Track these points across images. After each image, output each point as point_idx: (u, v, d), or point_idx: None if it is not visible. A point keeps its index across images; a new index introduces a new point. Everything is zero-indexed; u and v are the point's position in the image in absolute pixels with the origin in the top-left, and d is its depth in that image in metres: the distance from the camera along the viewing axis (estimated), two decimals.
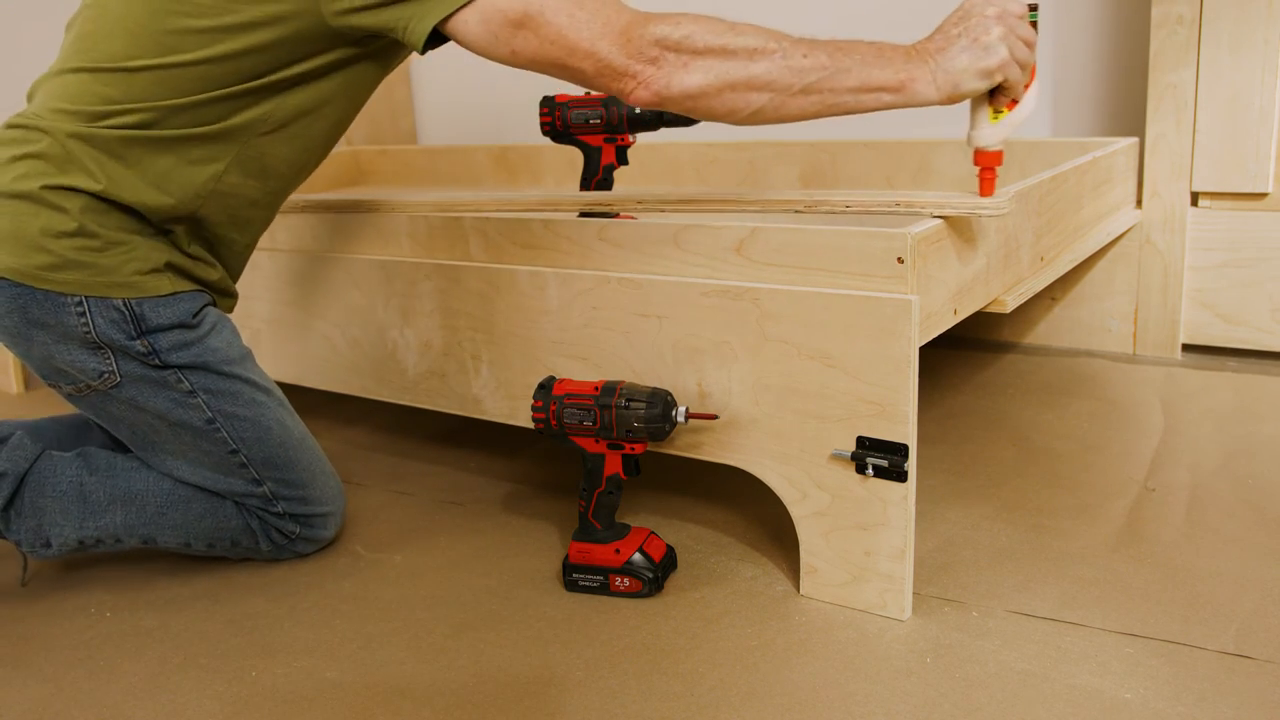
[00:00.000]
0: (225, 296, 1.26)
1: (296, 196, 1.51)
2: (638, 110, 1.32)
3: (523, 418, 1.29)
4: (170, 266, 1.16)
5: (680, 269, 1.13)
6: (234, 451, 1.20)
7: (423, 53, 1.04)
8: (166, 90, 1.09)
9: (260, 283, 1.55)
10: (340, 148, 2.63)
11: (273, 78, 1.11)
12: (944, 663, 0.98)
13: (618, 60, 0.96)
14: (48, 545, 1.21)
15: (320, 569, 1.27)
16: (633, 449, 1.11)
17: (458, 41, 1.03)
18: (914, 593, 1.08)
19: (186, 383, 1.17)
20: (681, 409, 1.10)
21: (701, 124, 1.37)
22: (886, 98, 0.98)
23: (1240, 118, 1.66)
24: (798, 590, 1.12)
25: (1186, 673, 0.94)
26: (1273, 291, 1.71)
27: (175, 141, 1.11)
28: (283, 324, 1.54)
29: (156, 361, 1.15)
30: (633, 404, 1.08)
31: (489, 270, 1.27)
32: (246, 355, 1.23)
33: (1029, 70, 1.00)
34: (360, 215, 1.41)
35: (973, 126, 1.05)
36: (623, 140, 1.36)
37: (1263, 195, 1.69)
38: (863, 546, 1.06)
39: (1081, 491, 1.32)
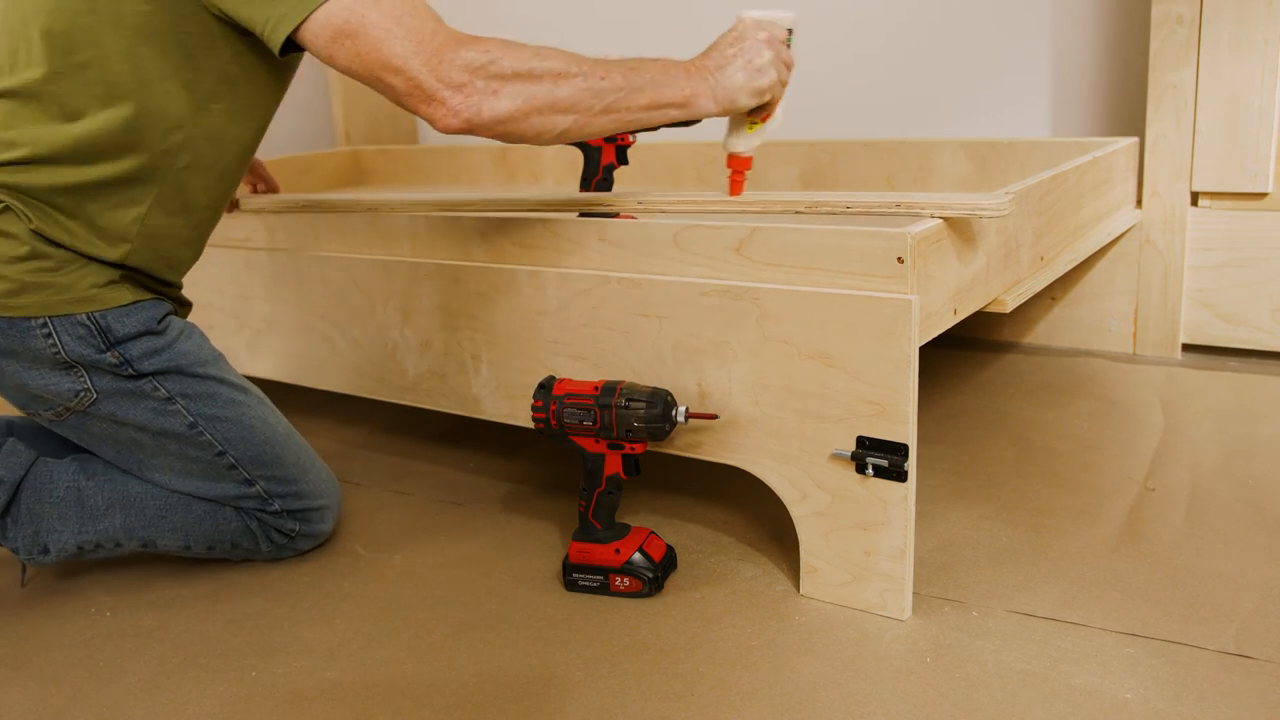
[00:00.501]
0: (183, 306, 1.26)
1: (297, 196, 1.51)
2: None
3: (523, 418, 1.29)
4: (127, 278, 1.15)
5: (680, 269, 1.13)
6: (221, 454, 1.19)
7: (281, 55, 1.05)
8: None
9: (260, 283, 1.55)
10: (340, 148, 2.63)
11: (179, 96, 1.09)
12: (944, 663, 0.98)
13: (427, 82, 0.99)
14: (45, 552, 1.20)
15: (320, 569, 1.27)
16: (633, 449, 1.11)
17: (305, 48, 1.05)
18: (914, 593, 1.08)
19: (163, 390, 1.16)
20: (681, 409, 1.10)
21: (702, 124, 1.38)
22: (674, 113, 1.07)
23: (1240, 118, 1.66)
24: (798, 590, 1.12)
25: (1186, 673, 0.94)
26: (1273, 291, 1.71)
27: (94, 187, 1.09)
28: (283, 324, 1.54)
29: (130, 371, 1.14)
30: (633, 404, 1.08)
31: (489, 270, 1.27)
32: (219, 357, 1.23)
33: (784, 89, 1.13)
34: (360, 215, 1.41)
35: (730, 135, 1.18)
36: (623, 140, 1.36)
37: (1263, 195, 1.69)
38: (863, 546, 1.06)
39: (1082, 491, 1.32)
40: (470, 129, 1.00)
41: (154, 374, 1.15)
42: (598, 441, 1.12)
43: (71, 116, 1.07)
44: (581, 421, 1.10)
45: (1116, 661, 0.96)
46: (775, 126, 1.16)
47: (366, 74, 1.01)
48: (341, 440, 1.71)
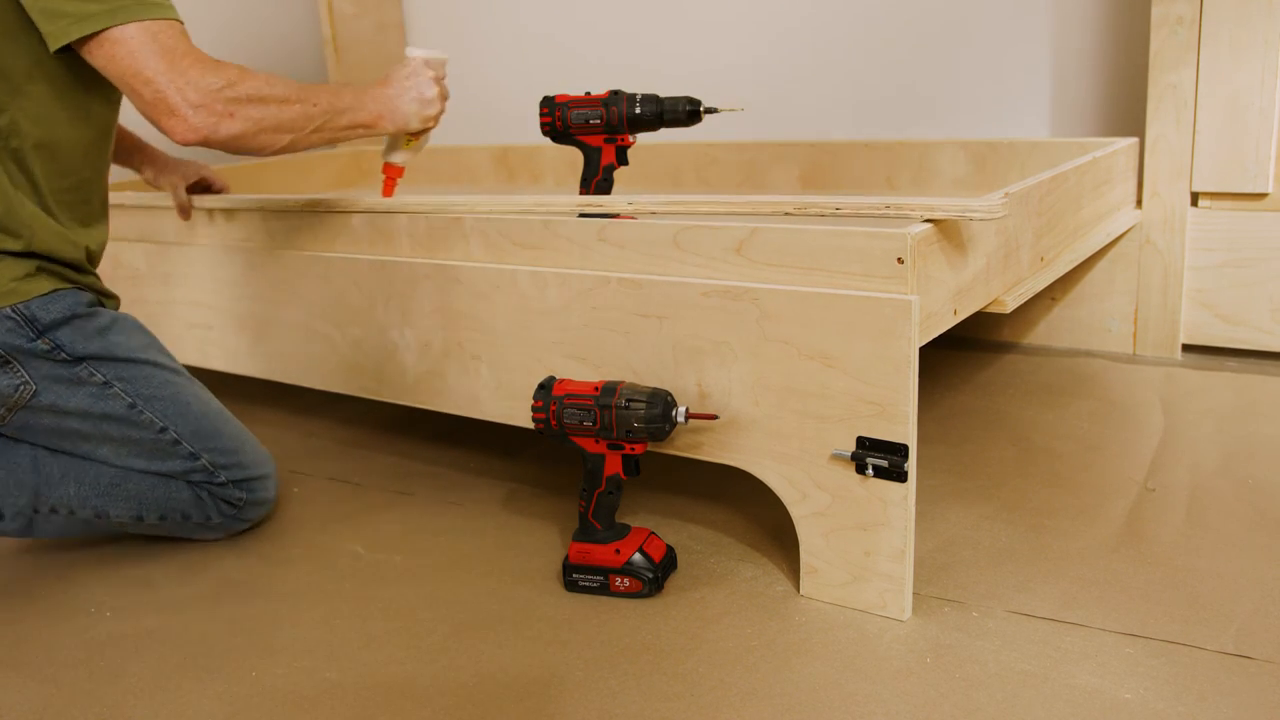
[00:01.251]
0: (109, 298, 1.32)
1: (296, 196, 1.51)
2: (638, 110, 1.32)
3: (523, 418, 1.29)
4: (44, 270, 1.21)
5: (680, 269, 1.13)
6: (163, 430, 1.27)
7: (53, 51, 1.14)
8: None
9: (260, 283, 1.55)
10: (341, 148, 2.63)
11: None
12: (944, 663, 0.98)
13: (173, 98, 1.11)
14: (1, 518, 1.25)
15: (320, 569, 1.27)
16: (633, 449, 1.11)
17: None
18: (914, 593, 1.08)
19: (99, 375, 1.23)
20: (681, 409, 1.10)
21: (702, 124, 1.38)
22: (362, 131, 1.28)
23: (1240, 118, 1.66)
24: (798, 590, 1.12)
25: (1186, 673, 0.94)
26: (1273, 291, 1.71)
27: None
28: (283, 324, 1.54)
29: (64, 356, 1.21)
30: (633, 404, 1.08)
31: (489, 270, 1.27)
32: (152, 343, 1.30)
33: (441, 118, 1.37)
34: (360, 215, 1.41)
35: (389, 149, 1.42)
36: (623, 140, 1.36)
37: (1263, 195, 1.69)
38: (863, 547, 1.06)
39: (1081, 492, 1.32)
40: (204, 144, 1.15)
41: (89, 358, 1.22)
42: (598, 442, 1.12)
43: None
44: (581, 422, 1.10)
45: (1116, 662, 0.96)
46: (425, 145, 1.44)
47: (117, 76, 1.13)
48: (341, 440, 1.71)
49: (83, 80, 1.20)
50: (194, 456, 1.29)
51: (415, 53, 1.34)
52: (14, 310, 1.18)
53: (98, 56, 1.13)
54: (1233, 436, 1.46)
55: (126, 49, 1.11)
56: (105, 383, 1.23)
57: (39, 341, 1.19)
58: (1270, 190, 1.68)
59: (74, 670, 1.08)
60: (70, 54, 1.15)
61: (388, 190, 1.45)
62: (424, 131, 1.37)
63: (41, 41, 1.15)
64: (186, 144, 1.14)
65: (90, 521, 1.29)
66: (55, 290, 1.21)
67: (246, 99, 1.15)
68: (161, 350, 1.31)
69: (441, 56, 1.36)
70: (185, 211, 1.61)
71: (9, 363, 1.19)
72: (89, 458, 1.28)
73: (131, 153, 1.60)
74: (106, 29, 1.11)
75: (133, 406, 1.25)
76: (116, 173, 1.67)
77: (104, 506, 1.28)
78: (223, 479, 1.31)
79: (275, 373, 1.60)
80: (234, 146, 1.17)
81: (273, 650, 1.09)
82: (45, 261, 1.22)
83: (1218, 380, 1.69)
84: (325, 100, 1.22)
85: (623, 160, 1.38)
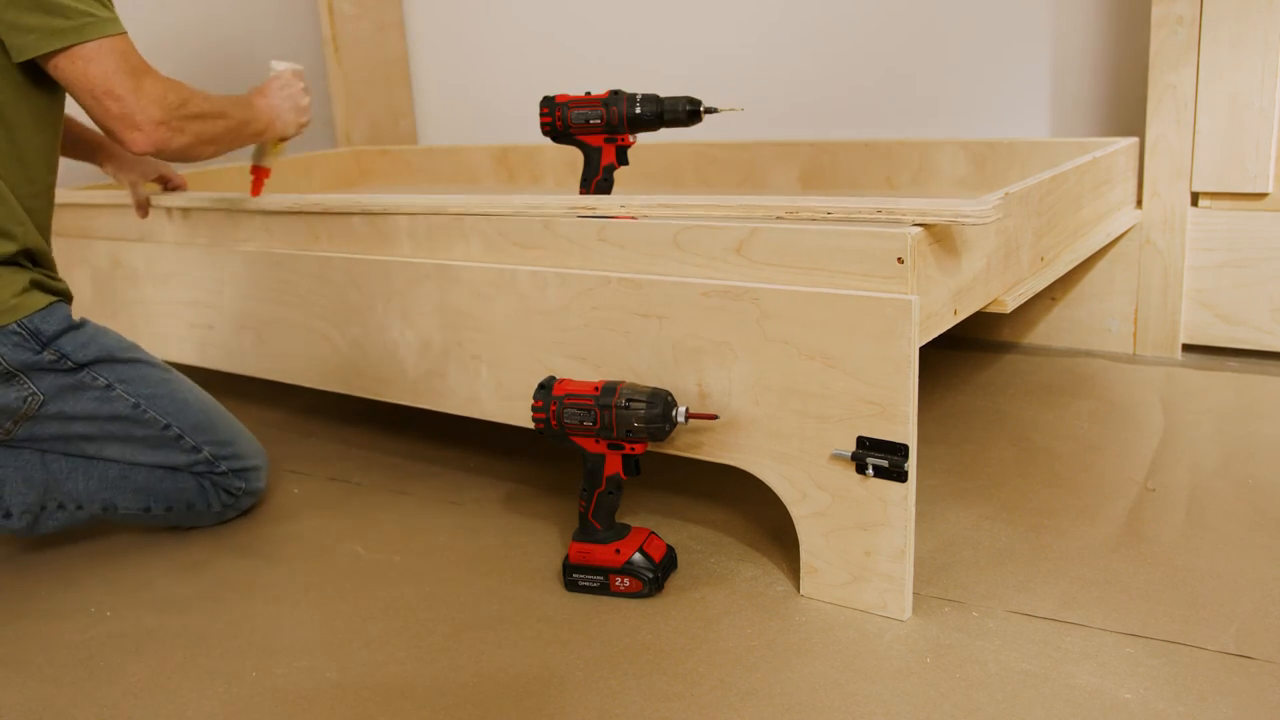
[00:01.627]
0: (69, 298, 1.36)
1: (296, 197, 1.51)
2: (638, 110, 1.32)
3: (523, 418, 1.29)
4: (34, 284, 1.26)
5: (680, 269, 1.13)
6: (166, 426, 1.33)
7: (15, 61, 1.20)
8: None
9: (260, 283, 1.55)
10: (341, 148, 2.63)
11: None
12: (944, 663, 0.98)
13: (139, 115, 1.22)
14: (8, 516, 1.27)
15: (320, 569, 1.27)
16: (633, 449, 1.11)
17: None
18: (914, 593, 1.08)
19: (101, 379, 1.29)
20: (681, 409, 1.10)
21: (702, 124, 1.38)
22: (254, 138, 1.42)
23: (1240, 118, 1.66)
24: (798, 590, 1.12)
25: (1187, 673, 0.94)
26: (1273, 291, 1.71)
27: None
28: (283, 324, 1.54)
29: (69, 364, 1.26)
30: (633, 404, 1.08)
31: (489, 270, 1.27)
32: (132, 344, 1.36)
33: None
34: (360, 216, 1.41)
35: (259, 154, 1.55)
36: (623, 140, 1.36)
37: (1263, 195, 1.69)
38: (863, 547, 1.06)
39: (1082, 492, 1.32)
40: (155, 154, 1.26)
41: (90, 363, 1.28)
42: (598, 442, 1.12)
43: None
44: (582, 422, 1.10)
45: (1116, 662, 0.96)
46: (287, 150, 1.63)
47: (85, 91, 1.20)
48: (341, 440, 1.71)
49: (43, 86, 1.25)
50: (196, 449, 1.35)
51: (281, 66, 1.50)
52: (19, 326, 1.22)
53: (64, 70, 1.20)
54: (1233, 436, 1.46)
55: (100, 67, 1.19)
56: (108, 385, 1.29)
57: (44, 353, 1.24)
58: (1270, 190, 1.68)
59: (73, 670, 1.08)
60: (30, 65, 1.22)
61: (257, 190, 1.57)
62: (290, 136, 1.52)
63: (3, 52, 1.20)
64: (140, 154, 1.25)
65: (97, 515, 1.33)
66: (51, 304, 1.26)
67: (193, 116, 1.27)
68: (140, 348, 1.37)
69: (300, 68, 1.53)
70: (143, 209, 1.66)
71: (14, 376, 1.23)
72: (96, 457, 1.32)
73: (94, 149, 1.64)
74: (75, 45, 1.18)
75: (136, 406, 1.31)
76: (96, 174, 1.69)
77: (112, 499, 1.32)
78: (223, 469, 1.37)
79: (275, 373, 1.60)
80: (177, 157, 1.29)
81: (273, 650, 1.09)
82: (34, 267, 1.27)
83: (1218, 380, 1.69)
84: (238, 114, 1.37)
85: (623, 160, 1.38)
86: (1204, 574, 1.10)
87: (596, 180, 1.38)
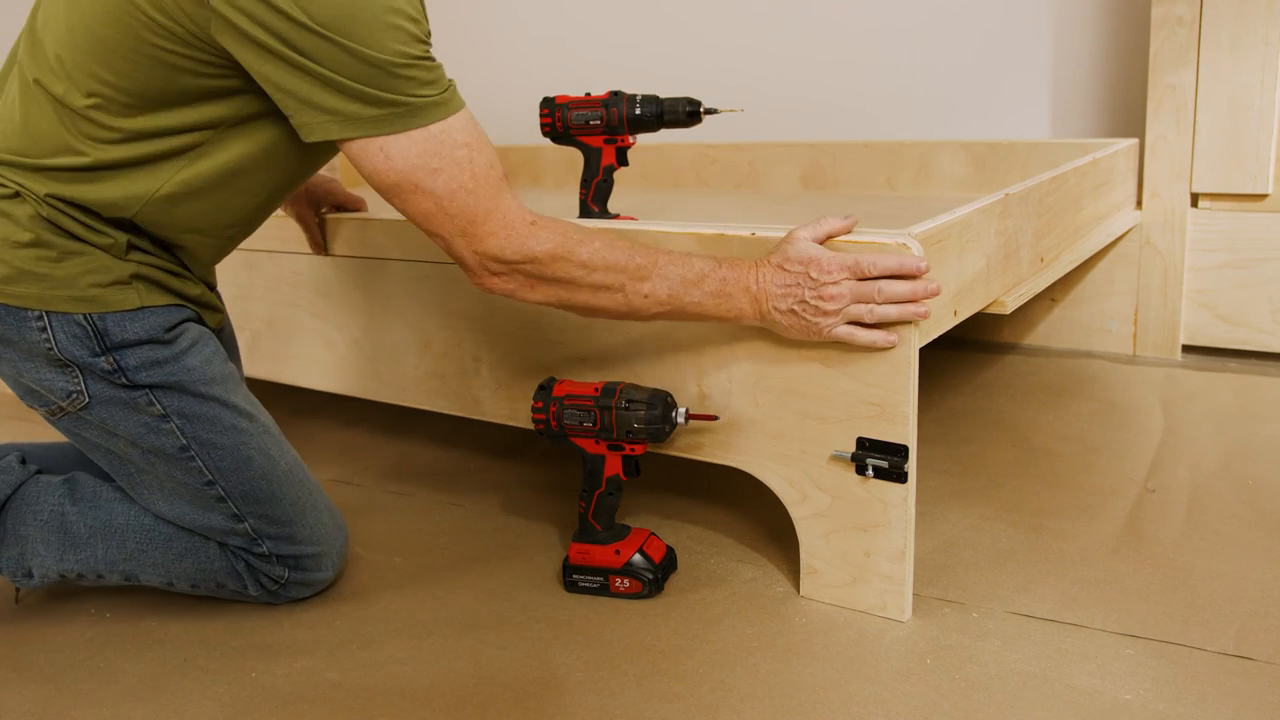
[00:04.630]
0: (211, 311, 1.18)
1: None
2: (638, 111, 1.32)
3: (523, 419, 1.29)
4: (140, 279, 1.08)
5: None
6: (210, 483, 1.11)
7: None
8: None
9: (260, 283, 1.55)
10: None
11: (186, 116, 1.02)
12: (944, 664, 0.98)
13: (470, 261, 1.01)
14: (30, 575, 1.16)
15: None
16: (633, 450, 1.11)
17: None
18: (914, 594, 1.08)
19: (158, 405, 1.09)
20: (681, 410, 1.10)
21: (702, 124, 1.38)
22: (714, 321, 1.06)
23: (1240, 119, 1.66)
24: (798, 591, 1.12)
25: (1187, 674, 0.94)
26: (1273, 292, 1.71)
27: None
28: (283, 324, 1.54)
29: (124, 381, 1.07)
30: (633, 405, 1.08)
31: None
32: (229, 376, 1.14)
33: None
34: (360, 216, 1.41)
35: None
36: (623, 141, 1.36)
37: (1263, 196, 1.69)
38: (863, 547, 1.06)
39: (1082, 492, 1.32)
40: (494, 295, 1.06)
41: (151, 387, 1.08)
42: (598, 443, 1.12)
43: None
44: (582, 423, 1.10)
45: (1117, 663, 0.96)
46: None
47: (422, 220, 1.01)
48: (341, 440, 1.71)
49: (282, 163, 1.08)
50: (238, 518, 1.13)
51: (835, 228, 1.07)
52: (86, 319, 1.05)
53: (361, 166, 0.98)
54: (1233, 437, 1.46)
55: (411, 189, 0.98)
56: (163, 415, 1.09)
57: (101, 359, 1.06)
58: (1270, 191, 1.68)
59: (73, 670, 1.08)
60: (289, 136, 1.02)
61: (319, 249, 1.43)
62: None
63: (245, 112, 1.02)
64: (486, 292, 1.05)
65: (120, 584, 1.18)
66: (144, 307, 1.07)
67: (553, 277, 1.01)
68: (239, 387, 1.15)
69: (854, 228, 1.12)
70: (320, 247, 1.44)
71: (68, 366, 1.07)
72: (129, 484, 1.15)
73: None
74: (370, 137, 0.95)
75: (185, 449, 1.10)
76: None
77: (132, 571, 1.16)
78: (265, 549, 1.14)
79: (275, 373, 1.60)
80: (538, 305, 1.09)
81: (272, 651, 1.09)
82: (146, 265, 1.08)
83: (1218, 381, 1.69)
84: (662, 291, 1.02)
85: (623, 161, 1.38)
86: (1204, 575, 1.10)
87: (596, 181, 1.38)
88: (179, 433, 1.10)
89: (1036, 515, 1.27)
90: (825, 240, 1.01)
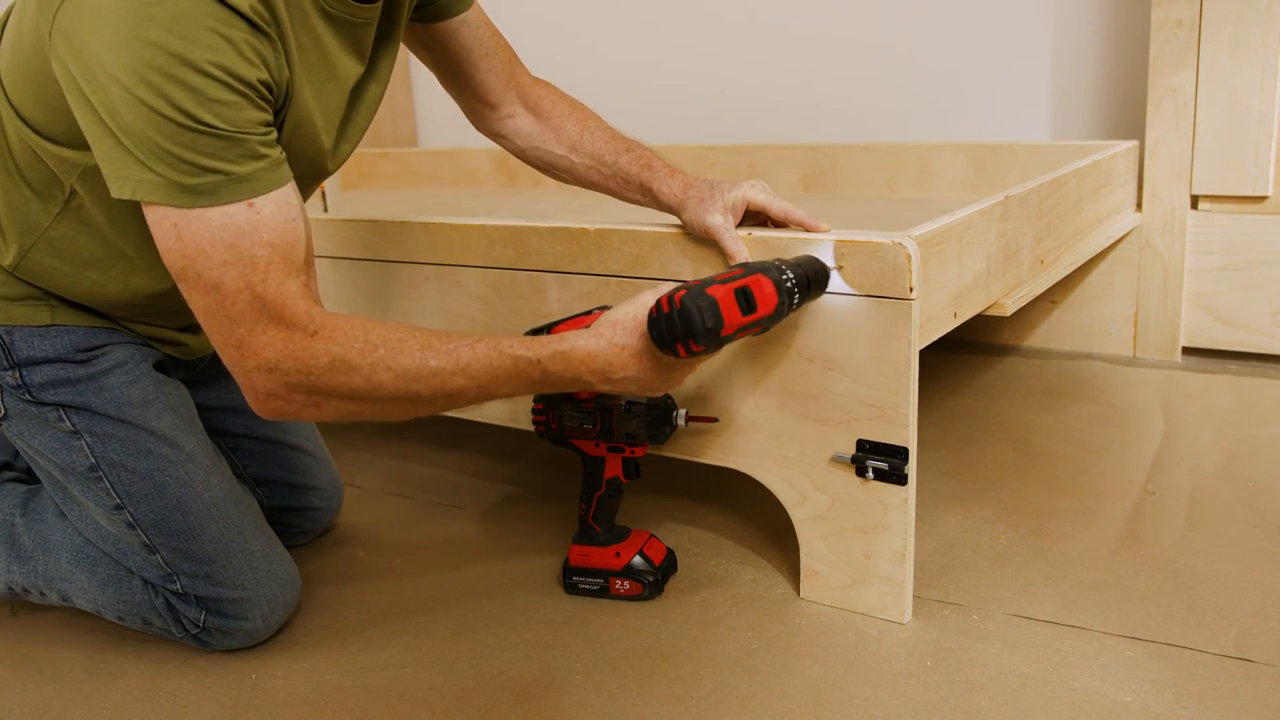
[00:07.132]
0: (171, 345, 1.12)
1: None
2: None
3: (523, 421, 1.29)
4: (54, 297, 1.03)
5: (680, 272, 1.13)
6: (119, 507, 1.04)
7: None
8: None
9: None
10: None
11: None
12: (944, 666, 0.98)
13: (235, 370, 0.87)
14: None
15: (320, 571, 1.27)
16: (633, 452, 1.11)
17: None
18: (914, 596, 1.08)
19: (68, 422, 1.03)
20: (681, 412, 1.10)
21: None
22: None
23: (1240, 121, 1.66)
24: (798, 593, 1.12)
25: (1187, 676, 0.94)
26: (1273, 294, 1.71)
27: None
28: None
29: (28, 397, 1.02)
30: (633, 407, 1.08)
31: (489, 273, 1.27)
32: (154, 401, 1.06)
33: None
34: (360, 217, 1.41)
35: None
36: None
37: (1262, 198, 1.69)
38: (863, 549, 1.06)
39: (1082, 494, 1.32)
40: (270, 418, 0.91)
41: (59, 405, 1.03)
42: (598, 445, 1.12)
43: None
44: (582, 425, 1.10)
45: (1117, 665, 0.96)
46: None
47: (200, 312, 0.87)
48: (341, 441, 1.71)
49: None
50: (149, 549, 1.05)
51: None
52: None
53: (189, 291, 0.86)
54: (1233, 439, 1.46)
55: (183, 257, 0.83)
56: (74, 432, 1.03)
57: (8, 374, 1.02)
58: (1270, 193, 1.68)
59: (74, 670, 1.08)
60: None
61: None
62: None
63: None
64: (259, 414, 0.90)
65: (59, 605, 1.14)
66: (55, 325, 1.03)
67: (337, 389, 0.87)
68: (167, 413, 1.07)
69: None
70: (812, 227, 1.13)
71: None
72: (61, 502, 1.10)
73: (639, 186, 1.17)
74: (149, 204, 0.83)
75: (94, 469, 1.03)
76: None
77: (67, 592, 1.11)
78: (178, 587, 1.06)
79: None
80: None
81: (272, 652, 1.09)
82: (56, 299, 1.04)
83: (1218, 383, 1.69)
84: (468, 388, 0.91)
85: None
86: (1204, 577, 1.10)
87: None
88: (89, 451, 1.03)
89: (1037, 517, 1.27)
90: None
